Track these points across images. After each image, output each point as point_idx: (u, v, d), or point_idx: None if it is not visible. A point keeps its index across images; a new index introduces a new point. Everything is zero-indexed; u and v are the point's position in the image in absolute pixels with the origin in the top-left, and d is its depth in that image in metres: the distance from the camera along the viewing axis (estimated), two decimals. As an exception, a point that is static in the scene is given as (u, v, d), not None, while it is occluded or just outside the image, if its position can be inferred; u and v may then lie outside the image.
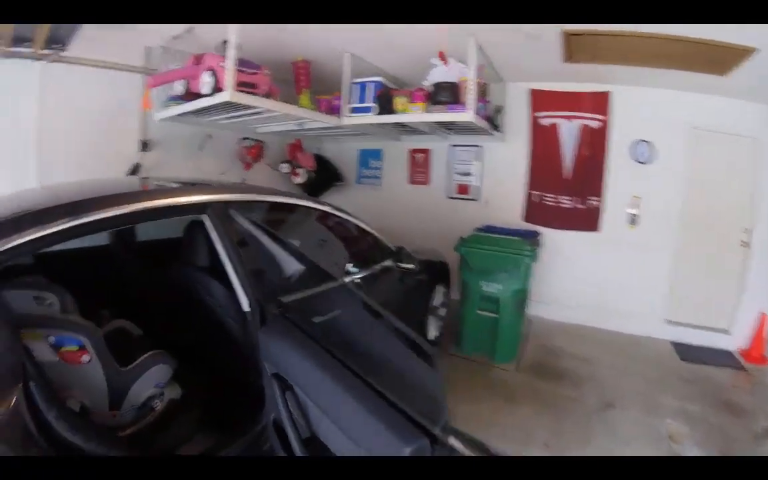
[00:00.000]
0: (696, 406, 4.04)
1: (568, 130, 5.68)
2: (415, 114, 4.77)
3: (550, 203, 5.87)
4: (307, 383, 1.90)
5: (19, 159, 4.04)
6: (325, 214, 3.46)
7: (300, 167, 6.32)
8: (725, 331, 5.48)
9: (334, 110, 5.23)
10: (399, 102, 4.82)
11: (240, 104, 4.18)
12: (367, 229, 3.78)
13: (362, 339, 3.29)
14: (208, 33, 4.19)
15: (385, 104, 4.90)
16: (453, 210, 6.56)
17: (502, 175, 6.23)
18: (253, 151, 5.60)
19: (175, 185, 2.86)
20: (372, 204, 7.08)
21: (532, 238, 5.19)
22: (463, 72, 4.60)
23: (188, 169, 5.31)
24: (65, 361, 2.13)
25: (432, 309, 4.70)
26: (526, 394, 4.16)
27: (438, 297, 4.80)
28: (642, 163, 5.46)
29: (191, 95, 4.33)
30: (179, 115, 4.64)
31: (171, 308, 3.03)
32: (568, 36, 4.09)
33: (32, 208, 1.80)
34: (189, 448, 2.33)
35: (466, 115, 4.50)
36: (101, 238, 3.81)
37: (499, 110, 5.71)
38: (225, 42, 3.92)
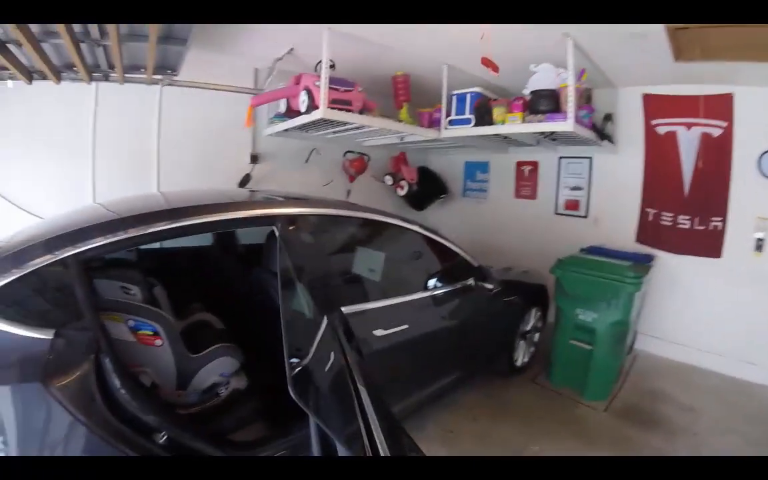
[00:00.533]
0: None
1: (687, 139, 5.00)
2: (513, 125, 4.58)
3: (667, 223, 5.19)
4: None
5: (144, 169, 4.71)
6: (405, 230, 3.44)
7: (403, 180, 6.37)
8: None
9: (434, 123, 5.23)
10: (497, 112, 4.67)
11: (334, 121, 4.34)
12: (450, 245, 3.70)
13: (422, 359, 3.32)
14: (308, 54, 4.44)
15: (483, 115, 4.77)
16: (560, 227, 6.10)
17: (614, 190, 5.65)
18: (356, 164, 5.76)
19: (260, 197, 3.15)
20: (476, 218, 6.97)
21: (644, 263, 4.60)
22: (563, 77, 4.33)
23: (294, 181, 5.61)
24: (141, 343, 2.58)
25: (523, 333, 4.46)
26: (608, 440, 3.67)
27: (531, 321, 4.55)
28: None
29: (292, 112, 4.60)
30: (285, 130, 4.92)
31: (251, 307, 3.26)
32: (673, 31, 3.64)
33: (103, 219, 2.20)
34: (241, 434, 2.59)
35: (566, 124, 4.22)
36: (206, 239, 4.32)
37: (608, 118, 5.24)
38: (320, 62, 4.08)
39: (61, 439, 1.79)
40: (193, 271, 4.03)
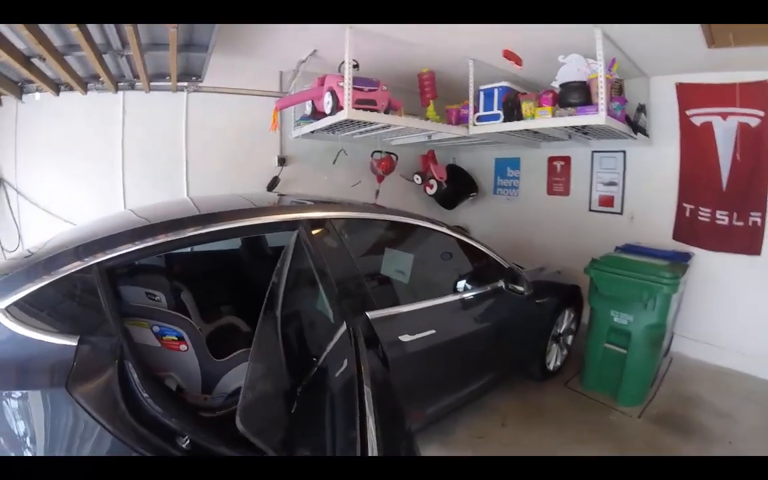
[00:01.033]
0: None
1: (723, 129, 4.63)
2: (543, 119, 4.35)
3: (705, 219, 4.85)
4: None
5: (173, 175, 4.73)
6: (432, 231, 3.29)
7: (433, 178, 6.19)
8: None
9: (463, 120, 5.04)
10: (526, 107, 4.45)
11: (360, 121, 4.23)
12: (479, 246, 3.54)
13: (450, 364, 3.18)
14: (332, 55, 4.34)
15: (512, 110, 4.56)
16: (594, 224, 5.78)
17: (649, 184, 5.29)
18: (384, 163, 5.59)
19: (286, 202, 3.18)
20: (507, 216, 6.73)
21: (681, 262, 4.32)
22: (593, 68, 4.08)
23: (322, 182, 5.56)
24: (166, 348, 2.61)
25: (556, 336, 4.26)
26: (641, 448, 3.45)
27: (565, 323, 4.34)
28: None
29: (318, 114, 4.50)
30: (311, 132, 4.84)
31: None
32: None
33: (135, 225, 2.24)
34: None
35: (598, 117, 3.97)
36: (234, 242, 4.28)
37: (641, 109, 4.90)
38: (343, 63, 3.97)
39: (86, 443, 1.77)
40: (222, 274, 4.04)
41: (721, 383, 4.46)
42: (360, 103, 4.04)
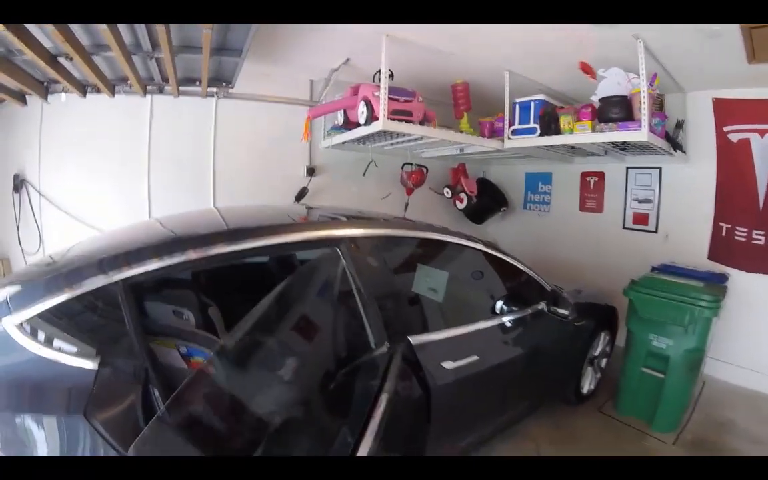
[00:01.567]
0: None
1: (761, 146, 4.38)
2: (582, 134, 4.10)
3: (741, 239, 4.57)
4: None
5: (200, 183, 4.53)
6: (473, 250, 3.02)
7: (463, 192, 5.89)
8: None
9: (497, 133, 4.79)
10: (564, 121, 4.19)
11: (394, 132, 4.00)
12: (520, 266, 3.26)
13: (490, 391, 2.89)
14: (365, 64, 4.14)
15: (550, 124, 4.29)
16: (628, 243, 5.46)
17: (685, 202, 4.98)
18: (414, 176, 5.29)
19: (323, 217, 2.93)
20: (538, 232, 6.40)
21: (718, 283, 4.04)
22: (634, 83, 3.84)
23: (351, 194, 5.31)
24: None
25: (591, 359, 3.98)
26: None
27: (600, 345, 4.06)
28: None
29: (351, 124, 4.27)
30: (342, 143, 4.61)
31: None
32: (749, 31, 3.13)
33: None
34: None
35: (640, 133, 3.72)
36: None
37: (680, 125, 4.65)
38: (378, 71, 3.75)
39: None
40: (249, 288, 3.69)
41: (756, 409, 4.19)
42: (395, 114, 3.81)
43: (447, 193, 6.01)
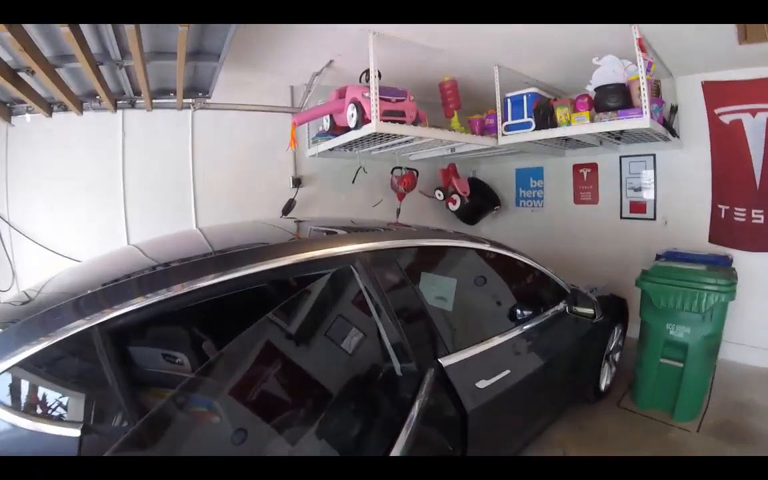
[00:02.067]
0: None
1: (754, 126, 4.25)
2: (581, 125, 3.83)
3: (740, 219, 4.43)
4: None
5: (180, 201, 4.14)
6: (487, 254, 2.72)
7: (455, 193, 5.57)
8: None
9: (488, 130, 4.50)
10: (560, 113, 3.93)
11: (386, 135, 3.68)
12: (538, 266, 2.96)
13: (521, 404, 2.56)
14: (350, 66, 3.85)
15: (545, 117, 4.02)
16: (626, 232, 5.26)
17: (681, 187, 4.82)
18: (406, 180, 4.95)
19: (328, 231, 2.49)
20: (533, 229, 6.12)
21: (725, 266, 3.86)
22: (630, 70, 3.63)
23: (341, 203, 4.96)
24: (194, 419, 1.75)
25: (606, 354, 3.71)
26: None
27: (614, 340, 3.80)
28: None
29: (338, 129, 3.96)
30: (329, 149, 4.30)
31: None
32: None
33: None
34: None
35: (642, 120, 3.50)
36: None
37: (674, 110, 4.45)
38: (366, 72, 3.46)
39: None
40: (248, 313, 3.20)
41: None
42: (388, 115, 3.49)
43: (439, 195, 5.66)
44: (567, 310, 2.93)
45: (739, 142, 4.35)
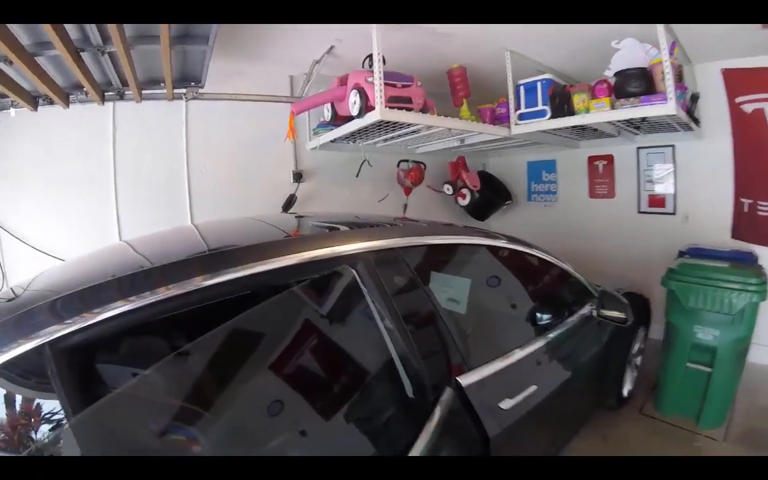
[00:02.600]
0: None
1: None
2: (601, 112, 3.51)
3: (765, 213, 4.10)
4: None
5: (174, 196, 3.85)
6: (507, 251, 2.39)
7: (465, 188, 5.22)
8: None
9: (499, 119, 4.16)
10: (578, 100, 3.61)
11: (391, 124, 3.36)
12: (562, 265, 2.64)
13: (548, 421, 2.25)
14: (351, 52, 3.56)
15: (562, 104, 3.70)
16: (645, 228, 4.91)
17: (701, 180, 4.50)
18: (413, 174, 4.66)
19: (320, 226, 2.25)
20: (546, 224, 5.76)
21: (752, 263, 3.60)
22: (651, 54, 3.31)
23: (344, 198, 4.65)
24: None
25: (629, 358, 3.42)
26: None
27: (637, 343, 3.50)
28: None
29: (340, 119, 3.65)
30: (331, 141, 3.97)
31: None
32: None
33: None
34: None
35: (667, 107, 3.17)
36: None
37: (696, 99, 4.09)
38: (369, 56, 3.14)
39: None
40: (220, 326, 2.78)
41: None
42: (393, 102, 3.16)
43: (448, 189, 5.30)
44: (595, 314, 2.60)
45: (761, 131, 4.05)
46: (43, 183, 3.38)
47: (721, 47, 3.86)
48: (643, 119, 3.64)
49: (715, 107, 4.24)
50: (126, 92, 3.35)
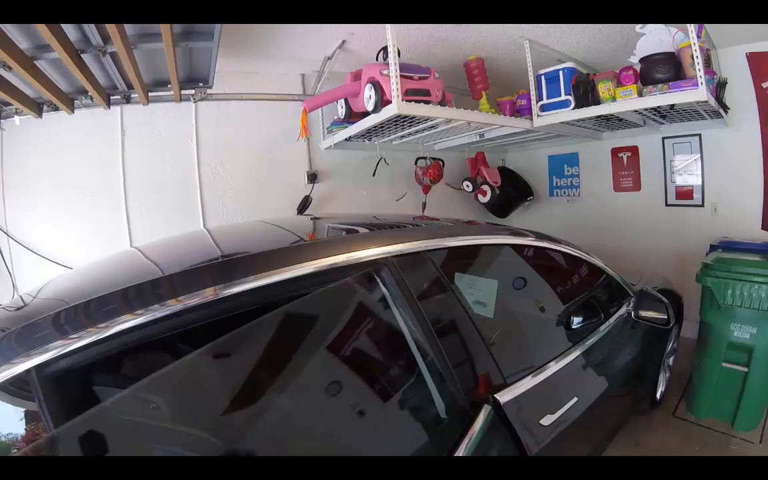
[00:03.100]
0: None
1: None
2: (628, 100, 3.29)
3: None
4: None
5: (185, 200, 3.71)
6: (540, 250, 2.18)
7: (485, 184, 5.01)
8: None
9: (520, 112, 3.96)
10: (603, 88, 3.40)
11: (412, 117, 3.19)
12: (598, 263, 2.45)
13: (588, 433, 2.10)
14: (364, 46, 3.44)
15: (586, 93, 3.49)
16: (673, 221, 4.65)
17: (730, 171, 4.21)
18: (431, 171, 4.46)
19: (337, 227, 2.04)
20: (570, 220, 5.52)
21: None
22: (678, 38, 3.11)
23: (362, 198, 4.49)
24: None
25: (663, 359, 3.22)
26: None
27: (671, 342, 3.28)
28: None
29: (354, 116, 3.49)
30: (346, 139, 3.82)
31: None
32: None
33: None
34: None
35: (698, 92, 2.96)
36: None
37: (723, 85, 3.78)
38: (383, 49, 3.02)
39: None
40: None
41: None
42: (411, 94, 2.96)
43: (467, 186, 5.08)
44: (633, 315, 2.42)
45: None
46: (52, 191, 3.28)
47: (745, 29, 3.62)
48: (672, 107, 3.43)
49: (741, 93, 3.98)
50: (132, 95, 3.21)
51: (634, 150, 4.93)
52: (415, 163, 4.61)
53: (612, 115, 3.62)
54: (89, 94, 2.90)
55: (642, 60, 3.27)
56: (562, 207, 5.73)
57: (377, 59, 3.18)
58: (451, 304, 1.56)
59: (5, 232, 3.18)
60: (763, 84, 3.93)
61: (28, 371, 0.90)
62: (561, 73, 3.61)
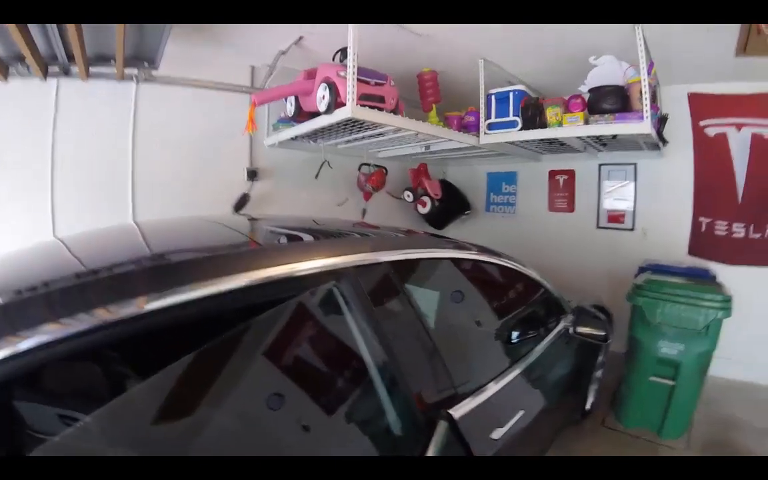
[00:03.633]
0: None
1: (738, 140, 4.12)
2: (575, 127, 3.45)
3: (722, 233, 4.26)
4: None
5: (116, 189, 3.43)
6: (482, 264, 2.18)
7: (426, 196, 5.08)
8: None
9: (467, 128, 4.05)
10: (551, 113, 3.54)
11: (365, 122, 3.12)
12: (541, 281, 2.50)
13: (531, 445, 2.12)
14: (321, 45, 3.35)
15: (534, 116, 3.61)
16: (603, 243, 4.94)
17: (662, 198, 4.57)
18: (374, 178, 4.48)
19: (278, 230, 1.94)
20: (503, 236, 5.62)
21: (710, 279, 3.85)
22: (629, 73, 3.31)
23: (302, 201, 4.37)
24: None
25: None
26: None
27: (601, 356, 3.41)
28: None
29: (303, 115, 3.41)
30: (291, 139, 3.72)
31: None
32: (757, 27, 2.93)
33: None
34: None
35: (643, 125, 3.15)
36: None
37: (665, 119, 4.08)
38: (341, 50, 2.99)
39: None
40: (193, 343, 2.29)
41: (752, 400, 3.93)
42: (366, 99, 2.94)
43: (408, 196, 5.14)
44: (572, 331, 2.47)
45: (722, 155, 4.26)
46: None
47: (689, 71, 3.96)
48: (614, 136, 3.62)
49: (679, 129, 4.32)
50: (72, 68, 2.97)
51: (570, 173, 5.18)
52: (359, 169, 4.61)
53: (556, 139, 3.76)
54: (26, 61, 2.66)
55: (592, 90, 3.44)
56: (496, 222, 5.92)
57: (334, 60, 3.14)
58: (409, 319, 1.52)
59: None
60: (700, 122, 4.31)
61: None
62: (511, 94, 3.74)
